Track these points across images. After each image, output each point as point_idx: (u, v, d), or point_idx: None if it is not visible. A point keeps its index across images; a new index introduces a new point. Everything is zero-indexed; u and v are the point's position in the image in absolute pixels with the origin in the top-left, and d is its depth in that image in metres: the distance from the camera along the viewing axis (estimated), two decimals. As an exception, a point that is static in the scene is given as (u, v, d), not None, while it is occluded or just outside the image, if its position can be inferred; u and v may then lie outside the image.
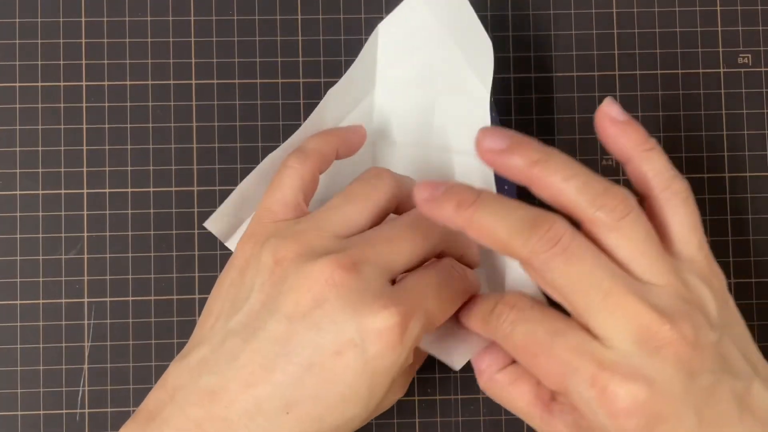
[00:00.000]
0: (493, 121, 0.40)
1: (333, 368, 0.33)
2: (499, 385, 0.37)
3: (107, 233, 0.43)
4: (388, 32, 0.42)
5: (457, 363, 0.38)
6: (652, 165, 0.35)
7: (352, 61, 0.43)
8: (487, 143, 0.33)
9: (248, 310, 0.34)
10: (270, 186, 0.37)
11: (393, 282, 0.35)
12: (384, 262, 0.34)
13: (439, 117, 0.42)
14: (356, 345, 0.32)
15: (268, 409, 0.33)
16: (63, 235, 0.43)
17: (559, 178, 0.32)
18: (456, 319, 0.37)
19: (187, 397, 0.33)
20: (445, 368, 0.43)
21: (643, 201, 0.35)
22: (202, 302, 0.43)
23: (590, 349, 0.32)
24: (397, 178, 0.37)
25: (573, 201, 0.32)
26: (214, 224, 0.40)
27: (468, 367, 0.43)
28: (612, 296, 0.32)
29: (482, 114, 0.39)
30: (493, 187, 0.40)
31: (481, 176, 0.40)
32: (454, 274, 0.36)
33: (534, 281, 0.35)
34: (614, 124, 0.35)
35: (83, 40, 0.44)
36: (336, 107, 0.41)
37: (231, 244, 0.41)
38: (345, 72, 0.42)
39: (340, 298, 0.33)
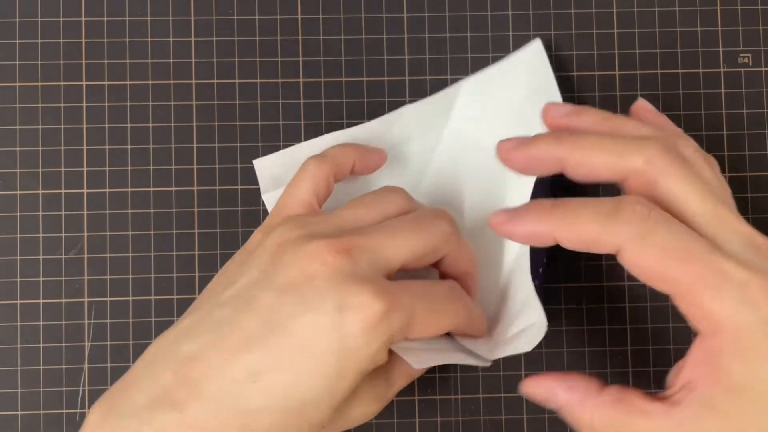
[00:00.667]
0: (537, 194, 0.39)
1: (305, 336, 0.32)
2: (607, 409, 0.33)
3: (107, 233, 0.43)
4: (471, 90, 0.42)
5: (495, 354, 0.38)
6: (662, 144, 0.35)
7: (352, 61, 0.43)
8: (553, 111, 0.37)
9: (243, 284, 0.35)
10: (288, 186, 0.39)
11: (390, 279, 0.35)
12: (380, 254, 0.34)
13: (487, 185, 0.42)
14: (333, 318, 0.32)
15: (237, 375, 0.32)
16: (63, 235, 0.43)
17: (630, 126, 0.35)
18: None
19: (165, 363, 0.33)
20: (445, 368, 0.43)
21: None
22: (202, 302, 0.43)
23: (732, 258, 0.31)
24: (410, 196, 0.38)
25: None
26: (261, 168, 0.41)
27: (468, 367, 0.43)
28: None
29: (525, 189, 0.39)
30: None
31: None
32: (453, 295, 0.36)
33: (632, 269, 0.32)
34: (651, 113, 0.39)
35: (83, 40, 0.44)
36: (407, 124, 0.42)
37: (266, 198, 0.42)
38: (345, 72, 0.42)
39: (331, 276, 0.33)
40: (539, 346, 0.43)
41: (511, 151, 0.35)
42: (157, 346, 0.35)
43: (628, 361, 0.43)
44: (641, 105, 0.40)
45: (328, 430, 0.35)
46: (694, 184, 0.33)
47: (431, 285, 0.36)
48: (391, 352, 0.36)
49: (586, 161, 0.34)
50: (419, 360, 0.35)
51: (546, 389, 0.34)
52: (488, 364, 0.38)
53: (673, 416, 0.31)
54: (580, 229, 0.32)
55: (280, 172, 0.41)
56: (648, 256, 0.32)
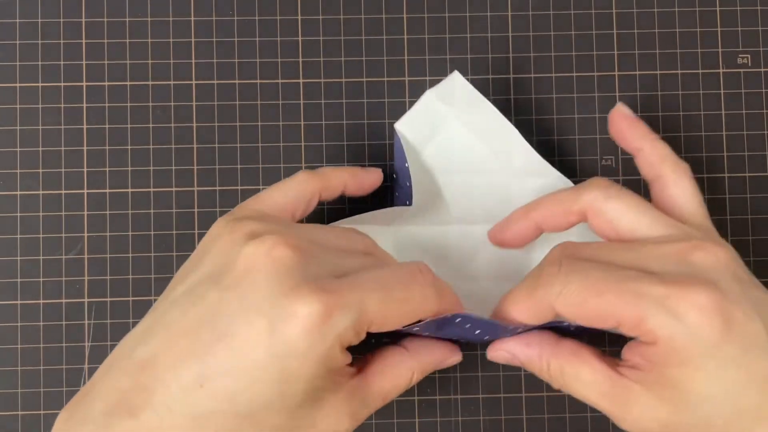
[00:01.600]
0: (517, 195, 0.43)
1: (244, 340, 0.32)
2: (560, 359, 0.37)
3: (107, 233, 0.43)
4: (407, 127, 0.42)
5: None
6: (661, 151, 0.40)
7: (352, 61, 0.43)
8: (619, 112, 0.41)
9: (193, 280, 0.34)
10: (271, 186, 0.38)
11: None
12: (332, 257, 0.34)
13: (462, 195, 0.43)
14: (270, 321, 0.31)
15: (185, 380, 0.32)
16: (63, 235, 0.43)
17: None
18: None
19: (121, 367, 0.33)
20: (444, 368, 0.43)
21: (651, 184, 0.40)
22: (203, 302, 0.43)
23: (649, 277, 0.34)
24: (376, 245, 0.38)
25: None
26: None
27: (468, 368, 0.43)
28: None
29: (503, 188, 0.43)
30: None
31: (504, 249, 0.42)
32: (417, 277, 0.35)
33: (571, 320, 0.36)
34: (626, 119, 0.41)
35: (83, 40, 0.44)
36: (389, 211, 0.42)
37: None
38: (345, 72, 0.41)
39: (271, 273, 0.32)
40: (539, 346, 0.43)
41: (499, 234, 0.41)
42: (118, 351, 0.34)
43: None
44: (618, 112, 0.41)
45: None
46: (635, 206, 0.37)
47: (390, 272, 0.34)
48: (364, 370, 0.36)
49: (551, 216, 0.39)
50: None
51: (506, 351, 0.38)
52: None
53: (614, 380, 0.35)
54: (552, 213, 0.39)
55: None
56: (571, 305, 0.35)
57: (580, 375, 0.36)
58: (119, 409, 0.32)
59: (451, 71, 0.42)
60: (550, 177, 0.42)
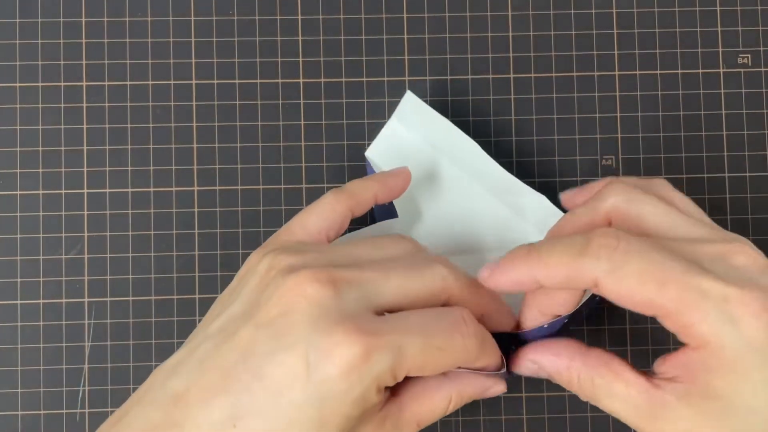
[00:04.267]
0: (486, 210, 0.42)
1: (281, 381, 0.31)
2: (590, 370, 0.34)
3: (107, 233, 0.43)
4: (376, 154, 0.43)
5: None
6: (623, 183, 0.36)
7: (352, 61, 0.43)
8: (568, 201, 0.39)
9: (228, 315, 0.34)
10: (301, 211, 0.38)
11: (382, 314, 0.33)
12: (368, 290, 0.33)
13: (432, 219, 0.43)
14: (308, 362, 0.31)
15: (217, 418, 0.31)
16: (63, 235, 0.43)
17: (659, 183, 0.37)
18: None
19: (154, 399, 0.33)
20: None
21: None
22: (202, 302, 0.43)
23: (711, 274, 0.32)
24: (417, 243, 0.37)
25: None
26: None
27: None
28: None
29: (485, 207, 0.42)
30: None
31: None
32: (461, 327, 0.33)
33: (613, 300, 0.33)
34: (575, 197, 0.39)
35: (83, 40, 0.44)
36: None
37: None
38: (345, 72, 0.41)
39: (307, 312, 0.31)
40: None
41: (485, 279, 0.35)
42: (150, 381, 0.34)
43: (628, 360, 0.43)
44: (566, 199, 0.40)
45: None
46: (665, 210, 0.34)
47: (432, 317, 0.33)
48: (399, 393, 0.35)
49: (552, 271, 0.33)
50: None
51: (533, 361, 0.36)
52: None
53: (649, 394, 0.32)
54: (556, 270, 0.33)
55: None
56: (623, 286, 0.32)
57: (613, 388, 0.33)
58: None
59: (452, 71, 0.42)
60: (525, 195, 0.41)
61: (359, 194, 0.38)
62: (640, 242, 0.32)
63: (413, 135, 0.42)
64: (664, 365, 0.33)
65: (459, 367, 0.34)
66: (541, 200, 0.41)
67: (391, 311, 0.33)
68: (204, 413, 0.32)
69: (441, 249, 0.42)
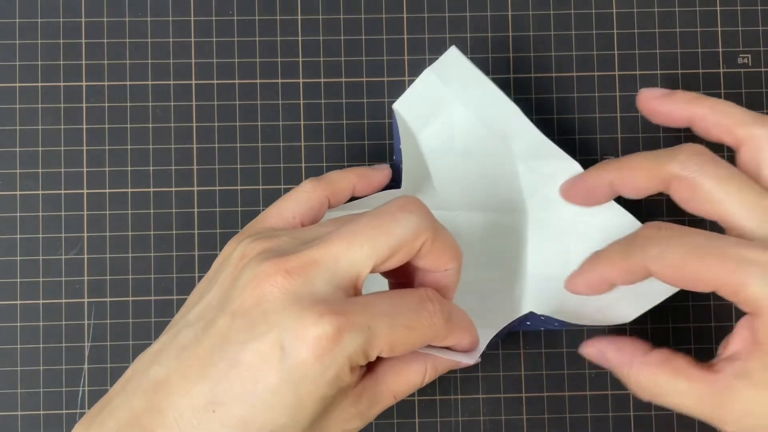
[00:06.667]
0: (515, 177, 0.42)
1: (257, 368, 0.32)
2: (652, 369, 0.35)
3: (107, 233, 0.43)
4: (404, 107, 0.42)
5: (630, 314, 0.39)
6: (728, 109, 0.38)
7: (352, 61, 0.43)
8: (646, 94, 0.39)
9: (205, 303, 0.34)
10: (280, 198, 0.38)
11: (356, 292, 0.34)
12: (338, 268, 0.33)
13: (457, 179, 0.43)
14: (282, 348, 0.31)
15: (197, 404, 0.32)
16: (63, 235, 0.43)
17: (724, 106, 0.37)
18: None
19: (136, 387, 0.33)
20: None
21: (738, 150, 0.37)
22: (202, 302, 0.43)
23: (753, 243, 0.34)
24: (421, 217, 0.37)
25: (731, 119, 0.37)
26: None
27: (468, 368, 0.43)
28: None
29: (508, 170, 0.42)
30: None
31: (509, 232, 0.42)
32: (426, 305, 0.34)
33: (668, 282, 0.35)
34: (656, 98, 0.39)
35: (83, 40, 0.44)
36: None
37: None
38: (345, 72, 0.41)
39: (280, 299, 0.32)
40: (539, 346, 0.44)
41: (568, 190, 0.40)
42: (133, 368, 0.35)
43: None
44: (647, 96, 0.39)
45: None
46: (728, 179, 0.36)
47: (397, 297, 0.34)
48: (375, 367, 0.35)
49: (631, 177, 0.38)
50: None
51: (598, 350, 0.38)
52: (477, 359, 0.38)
53: (711, 382, 0.34)
54: (618, 268, 0.37)
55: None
56: (670, 266, 0.35)
57: (676, 386, 0.35)
58: (131, 429, 0.32)
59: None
60: (557, 158, 0.41)
61: (337, 183, 0.39)
62: (682, 228, 0.35)
63: (446, 91, 0.42)
64: (727, 346, 0.35)
65: (429, 345, 0.35)
66: (574, 166, 0.41)
67: (374, 272, 0.34)
68: (185, 400, 0.32)
69: (452, 205, 0.42)
